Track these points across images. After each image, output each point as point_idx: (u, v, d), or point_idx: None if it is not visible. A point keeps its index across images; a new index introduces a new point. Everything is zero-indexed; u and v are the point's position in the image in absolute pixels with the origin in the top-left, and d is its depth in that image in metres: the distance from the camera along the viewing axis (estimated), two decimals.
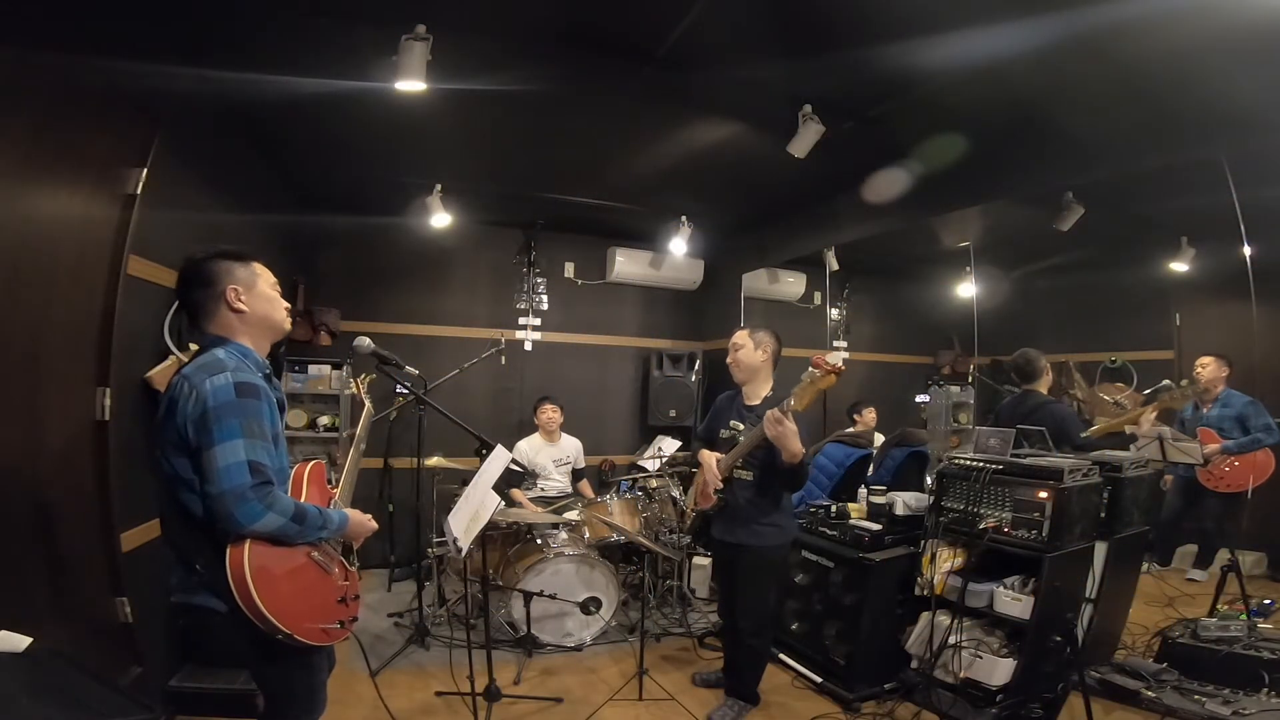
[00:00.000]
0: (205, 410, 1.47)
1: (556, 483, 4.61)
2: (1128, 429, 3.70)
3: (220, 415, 1.47)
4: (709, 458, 2.81)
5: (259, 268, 1.73)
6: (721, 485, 2.77)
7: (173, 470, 1.53)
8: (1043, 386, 3.72)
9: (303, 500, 1.64)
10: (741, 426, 2.77)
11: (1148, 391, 4.19)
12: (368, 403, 2.37)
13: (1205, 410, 3.99)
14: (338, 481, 1.93)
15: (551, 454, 4.63)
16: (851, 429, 5.32)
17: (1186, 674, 2.82)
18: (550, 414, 4.63)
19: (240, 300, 1.65)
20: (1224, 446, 3.72)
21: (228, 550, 1.46)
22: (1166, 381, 4.04)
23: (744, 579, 2.77)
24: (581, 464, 4.76)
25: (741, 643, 2.84)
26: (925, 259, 5.91)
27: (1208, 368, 3.97)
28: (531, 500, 4.35)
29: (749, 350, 2.79)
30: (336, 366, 4.50)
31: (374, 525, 1.83)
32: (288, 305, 1.80)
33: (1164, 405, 3.77)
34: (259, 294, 1.69)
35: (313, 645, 1.59)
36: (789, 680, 3.16)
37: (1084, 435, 3.51)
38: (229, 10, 2.40)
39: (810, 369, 2.37)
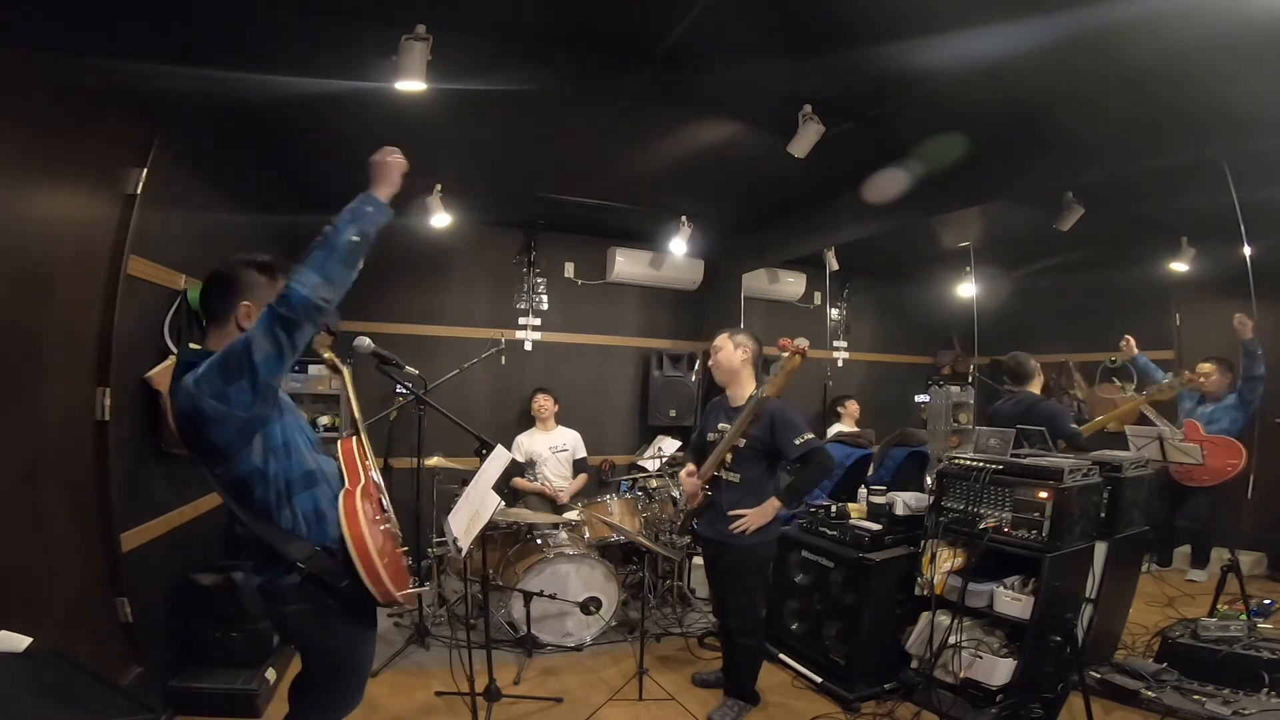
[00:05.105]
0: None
1: (556, 472, 4.65)
2: (1127, 430, 3.71)
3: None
4: (686, 478, 2.95)
5: None
6: (707, 488, 2.82)
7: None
8: (1035, 387, 3.78)
9: (362, 475, 1.74)
10: (729, 428, 2.78)
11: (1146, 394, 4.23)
12: (344, 370, 2.32)
13: (1207, 407, 4.12)
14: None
15: (547, 441, 4.73)
16: (840, 423, 5.37)
17: (1186, 674, 2.82)
18: (542, 402, 4.78)
19: (249, 319, 1.57)
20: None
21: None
22: (1167, 380, 4.08)
23: (730, 579, 2.78)
24: (582, 453, 4.82)
25: (734, 643, 2.85)
26: (925, 259, 5.91)
27: (1211, 377, 4.10)
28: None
29: (728, 352, 2.81)
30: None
31: (395, 159, 1.72)
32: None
33: (1154, 398, 3.93)
34: None
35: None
36: (789, 680, 3.16)
37: (1073, 426, 3.58)
38: (229, 10, 2.40)
39: (780, 353, 2.47)
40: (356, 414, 2.13)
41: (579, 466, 4.78)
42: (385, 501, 1.79)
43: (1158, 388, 3.88)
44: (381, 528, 1.70)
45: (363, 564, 1.55)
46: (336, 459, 1.80)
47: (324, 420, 4.50)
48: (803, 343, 2.43)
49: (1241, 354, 3.89)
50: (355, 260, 1.53)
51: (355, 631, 1.72)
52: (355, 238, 1.51)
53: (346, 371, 2.31)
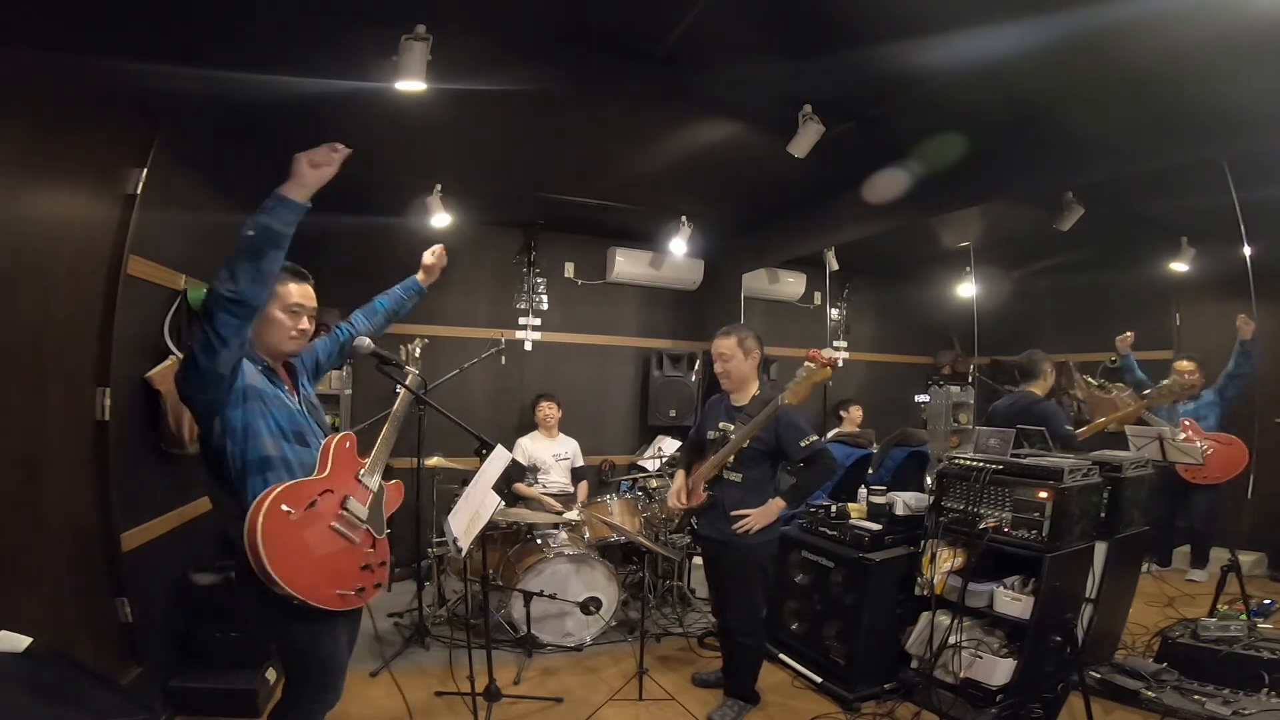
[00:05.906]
0: None
1: (557, 480, 4.64)
2: (1127, 430, 3.72)
3: None
4: (680, 478, 2.97)
5: (282, 289, 1.80)
6: (700, 494, 2.81)
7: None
8: (1039, 388, 3.79)
9: (328, 469, 1.77)
10: (731, 427, 2.77)
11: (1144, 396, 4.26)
12: (412, 371, 2.37)
13: (1188, 404, 4.24)
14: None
15: (551, 449, 4.74)
16: (840, 427, 5.37)
17: (1186, 674, 2.82)
18: (547, 410, 4.79)
19: None
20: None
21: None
22: (1167, 383, 4.09)
23: (730, 578, 2.78)
24: (580, 462, 4.82)
25: (734, 642, 2.85)
26: (925, 259, 5.91)
27: (1194, 374, 4.20)
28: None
29: (739, 361, 2.78)
30: (337, 367, 4.49)
31: (304, 153, 1.75)
32: (302, 328, 1.86)
33: (1153, 402, 3.98)
34: (266, 316, 1.77)
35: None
36: (789, 680, 3.16)
37: (1068, 428, 3.60)
38: (229, 10, 2.40)
39: (806, 363, 2.45)
40: (397, 412, 2.17)
41: (577, 474, 4.79)
42: (352, 502, 1.79)
43: (1157, 390, 3.91)
44: (330, 524, 1.72)
45: (250, 553, 1.55)
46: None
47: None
48: (830, 354, 2.43)
49: (1238, 352, 3.94)
50: (256, 254, 1.60)
51: (304, 622, 1.69)
52: (250, 232, 1.60)
53: (412, 377, 2.37)
